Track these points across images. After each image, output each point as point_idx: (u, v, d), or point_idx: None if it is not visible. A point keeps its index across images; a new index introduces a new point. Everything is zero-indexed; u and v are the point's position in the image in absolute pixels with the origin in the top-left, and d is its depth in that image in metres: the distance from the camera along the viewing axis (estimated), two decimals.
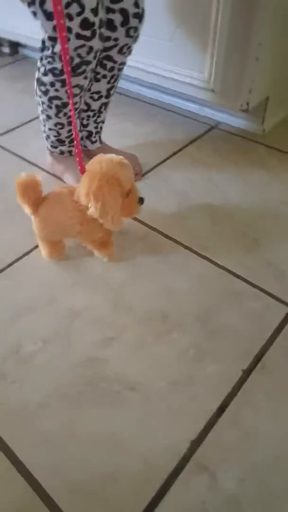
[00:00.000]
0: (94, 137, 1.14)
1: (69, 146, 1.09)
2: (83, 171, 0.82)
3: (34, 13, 0.81)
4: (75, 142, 0.84)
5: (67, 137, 1.05)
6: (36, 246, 0.96)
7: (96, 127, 1.12)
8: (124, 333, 0.79)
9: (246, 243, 0.96)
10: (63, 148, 1.09)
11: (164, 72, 1.27)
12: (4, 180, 1.16)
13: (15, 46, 1.91)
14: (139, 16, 0.89)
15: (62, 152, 1.10)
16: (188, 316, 0.82)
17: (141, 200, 0.83)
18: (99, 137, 1.16)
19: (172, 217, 1.03)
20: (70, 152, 1.11)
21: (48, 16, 0.79)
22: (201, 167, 1.19)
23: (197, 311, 0.83)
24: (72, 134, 1.05)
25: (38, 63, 0.93)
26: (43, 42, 0.87)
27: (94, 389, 0.71)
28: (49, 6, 0.77)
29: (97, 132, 1.14)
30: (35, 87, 0.97)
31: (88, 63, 0.86)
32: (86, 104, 1.05)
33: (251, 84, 1.13)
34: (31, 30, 1.61)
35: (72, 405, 0.69)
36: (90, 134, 1.13)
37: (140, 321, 0.81)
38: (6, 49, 1.93)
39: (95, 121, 1.10)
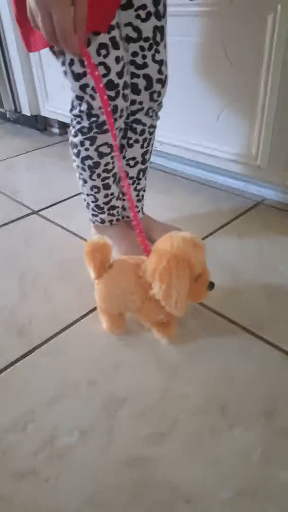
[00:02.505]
0: (137, 206, 1.13)
1: (109, 215, 1.07)
2: (147, 249, 0.77)
3: (65, 73, 0.86)
4: (131, 213, 0.81)
5: (104, 203, 1.04)
6: (79, 319, 0.90)
7: (137, 195, 1.11)
8: (177, 427, 0.68)
9: None
10: (103, 217, 1.08)
11: (210, 151, 1.29)
12: (48, 250, 1.14)
13: (64, 127, 2.04)
14: (162, 82, 0.94)
15: (103, 221, 1.09)
16: (251, 409, 0.70)
17: (211, 285, 0.75)
18: (142, 207, 1.15)
19: (225, 294, 0.95)
20: (110, 221, 1.09)
21: (76, 76, 0.84)
22: (250, 241, 1.13)
23: (261, 402, 0.71)
24: (110, 200, 1.04)
25: (70, 127, 0.96)
26: (72, 102, 0.91)
27: (140, 498, 0.59)
28: (77, 67, 0.82)
29: (138, 200, 1.13)
30: (70, 153, 0.99)
31: (114, 120, 0.89)
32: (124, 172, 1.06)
33: None
34: None
35: None
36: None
37: (195, 413, 0.70)
38: (56, 130, 2.07)
39: (135, 189, 1.09)
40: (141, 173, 1.08)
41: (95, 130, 0.90)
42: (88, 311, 0.92)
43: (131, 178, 1.07)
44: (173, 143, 1.38)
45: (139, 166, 1.06)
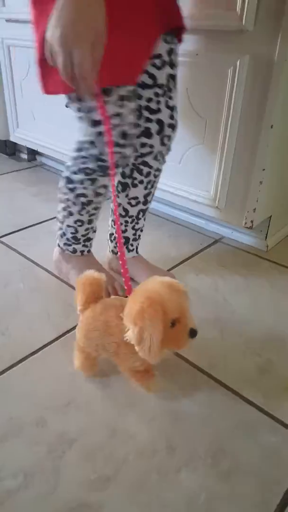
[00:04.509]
0: (132, 244, 1.14)
1: (83, 246, 1.09)
2: (129, 291, 0.75)
3: (80, 118, 0.88)
4: (121, 262, 0.79)
5: (82, 235, 1.07)
6: (30, 354, 0.88)
7: (134, 234, 1.12)
8: (124, 469, 0.67)
9: (259, 363, 0.89)
10: (77, 247, 1.09)
11: (174, 190, 1.33)
12: (5, 278, 1.13)
13: (32, 154, 2.06)
14: (173, 127, 0.97)
15: (74, 251, 1.10)
16: (198, 450, 0.71)
17: (192, 332, 0.69)
18: (136, 247, 1.16)
19: None
20: (82, 252, 1.10)
21: (93, 123, 0.86)
22: (207, 278, 1.17)
23: (208, 443, 0.72)
24: (88, 233, 1.07)
25: (69, 162, 0.96)
26: (82, 143, 0.91)
27: None
28: (95, 115, 0.84)
29: (134, 239, 1.13)
30: (61, 185, 1.00)
31: (117, 166, 0.93)
32: (124, 210, 1.07)
33: (255, 204, 1.17)
34: (50, 143, 1.74)
35: None
36: (127, 240, 1.13)
37: (143, 454, 0.70)
38: (24, 155, 2.08)
39: (133, 228, 1.11)
40: (141, 213, 1.10)
41: (99, 173, 0.92)
42: (43, 345, 0.91)
43: (130, 216, 1.09)
44: None
45: (140, 206, 1.08)
